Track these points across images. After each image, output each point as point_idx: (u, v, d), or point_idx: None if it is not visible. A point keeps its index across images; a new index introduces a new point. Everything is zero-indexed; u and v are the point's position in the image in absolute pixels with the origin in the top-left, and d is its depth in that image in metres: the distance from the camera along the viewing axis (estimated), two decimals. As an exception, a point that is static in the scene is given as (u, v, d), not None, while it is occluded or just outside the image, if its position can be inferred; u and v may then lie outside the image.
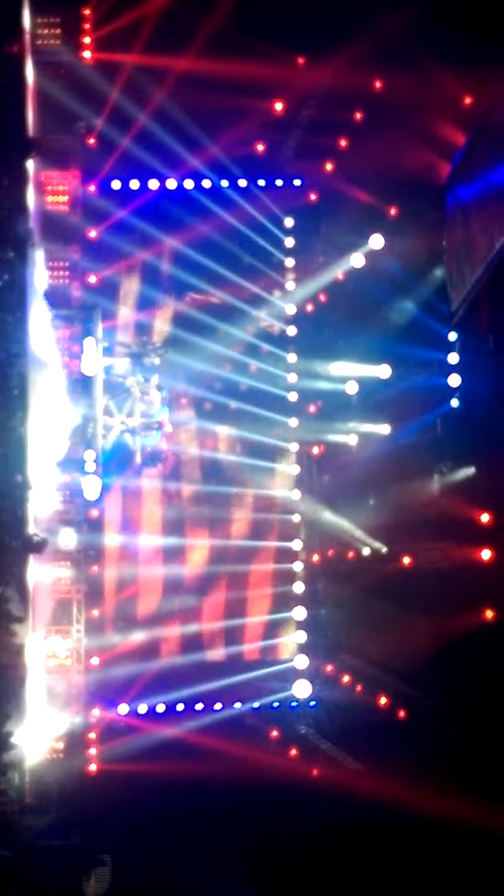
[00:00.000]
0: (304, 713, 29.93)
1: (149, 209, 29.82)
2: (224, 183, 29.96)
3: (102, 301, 29.35)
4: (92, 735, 28.40)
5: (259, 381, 30.62)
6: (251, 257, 30.38)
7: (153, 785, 26.39)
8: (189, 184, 29.84)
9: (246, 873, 24.84)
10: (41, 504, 26.40)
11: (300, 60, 28.44)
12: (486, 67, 25.82)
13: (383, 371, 30.22)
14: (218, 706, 29.22)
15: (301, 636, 30.24)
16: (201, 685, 29.02)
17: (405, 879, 24.42)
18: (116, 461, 29.56)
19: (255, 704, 29.62)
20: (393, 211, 30.00)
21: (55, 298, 28.03)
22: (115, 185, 29.77)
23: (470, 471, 28.85)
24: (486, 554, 26.82)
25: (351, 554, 30.35)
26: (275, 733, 29.54)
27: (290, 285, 30.95)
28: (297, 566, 30.52)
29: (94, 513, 29.12)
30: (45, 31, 27.71)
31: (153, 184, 29.79)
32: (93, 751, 28.26)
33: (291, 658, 30.19)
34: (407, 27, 26.52)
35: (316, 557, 30.66)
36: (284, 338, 30.88)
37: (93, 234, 29.60)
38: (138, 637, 29.69)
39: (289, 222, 30.90)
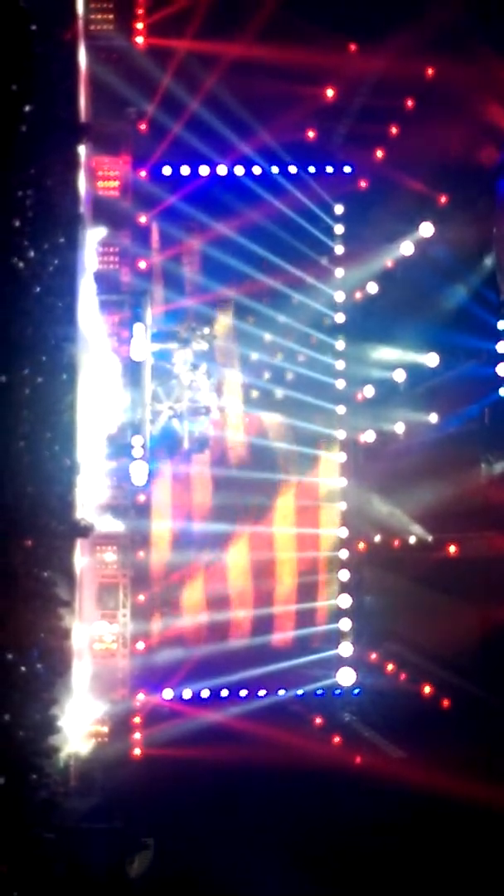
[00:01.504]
0: (348, 701, 29.85)
1: (199, 195, 29.76)
2: (274, 169, 29.84)
3: (152, 287, 29.43)
4: (136, 719, 28.46)
5: (307, 368, 30.57)
6: (300, 244, 30.24)
7: (196, 770, 26.49)
8: (239, 170, 29.73)
9: (287, 859, 24.92)
10: (89, 489, 26.48)
11: (352, 47, 28.51)
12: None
13: (431, 360, 30.21)
14: (262, 692, 29.22)
15: (346, 624, 30.19)
16: (246, 671, 29.04)
17: (447, 867, 24.45)
18: (164, 446, 29.64)
19: (300, 691, 29.58)
20: (443, 198, 30.03)
21: (105, 284, 28.16)
22: (166, 170, 29.67)
23: (517, 461, 28.93)
24: (532, 544, 26.88)
25: (397, 542, 30.33)
26: (318, 720, 29.48)
27: (339, 272, 30.78)
28: (343, 554, 30.46)
29: (142, 498, 29.11)
30: (98, 16, 27.76)
31: (204, 170, 29.70)
32: (137, 735, 28.33)
33: (336, 645, 30.14)
34: (459, 15, 26.54)
35: (362, 545, 30.59)
36: (333, 325, 30.76)
37: (143, 219, 29.57)
38: (183, 622, 29.76)
39: (338, 209, 30.71)
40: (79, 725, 25.68)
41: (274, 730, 27.97)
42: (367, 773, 27.71)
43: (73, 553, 25.40)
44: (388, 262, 30.55)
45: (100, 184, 28.84)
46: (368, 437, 30.63)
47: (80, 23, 26.31)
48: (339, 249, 30.84)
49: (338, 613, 30.29)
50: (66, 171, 25.13)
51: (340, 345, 30.71)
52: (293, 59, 27.65)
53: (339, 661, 30.01)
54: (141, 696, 28.73)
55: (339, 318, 30.76)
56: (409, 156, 29.47)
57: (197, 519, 30.08)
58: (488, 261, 29.93)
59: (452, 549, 29.83)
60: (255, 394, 30.66)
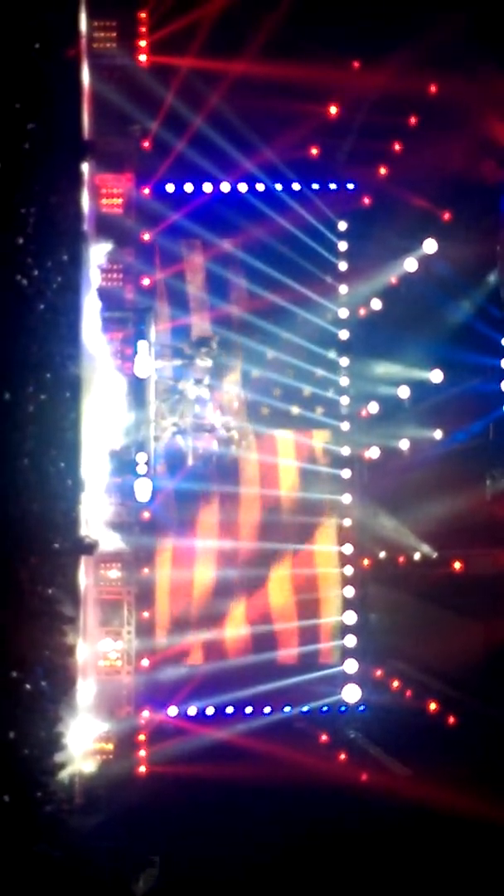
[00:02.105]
0: (354, 718, 29.78)
1: (202, 212, 29.86)
2: (278, 186, 29.93)
3: (156, 304, 29.50)
4: (141, 737, 28.47)
5: (311, 384, 30.56)
6: (304, 261, 30.25)
7: (202, 787, 26.46)
8: (243, 187, 29.85)
9: (293, 876, 24.88)
10: (93, 506, 26.46)
11: (355, 64, 28.57)
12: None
13: (435, 376, 30.19)
14: (267, 709, 29.17)
15: (351, 640, 30.13)
16: (251, 688, 28.99)
17: (454, 885, 24.40)
18: (168, 463, 29.63)
19: (305, 708, 29.54)
20: (447, 215, 30.00)
21: (109, 301, 28.19)
22: (170, 188, 29.79)
23: (522, 477, 28.90)
24: (536, 560, 26.85)
25: (402, 559, 30.29)
26: (324, 737, 29.42)
27: (342, 289, 30.79)
28: (348, 570, 30.41)
29: (146, 515, 29.14)
30: (102, 34, 27.90)
31: (207, 187, 29.81)
32: (142, 752, 28.33)
33: (341, 662, 30.08)
34: (461, 31, 26.61)
35: (366, 562, 30.55)
36: (337, 342, 30.75)
37: (146, 236, 29.67)
38: (188, 639, 29.72)
39: (342, 226, 30.73)
40: (84, 743, 25.61)
41: (279, 747, 27.92)
42: (373, 791, 27.64)
43: (78, 570, 25.35)
44: (392, 279, 30.56)
45: (103, 201, 28.93)
46: (373, 453, 30.60)
47: (84, 41, 26.33)
48: (342, 266, 30.82)
49: (342, 630, 30.23)
50: (69, 188, 25.13)
51: (344, 361, 30.69)
52: (296, 76, 27.71)
53: (345, 678, 29.93)
54: (146, 714, 28.72)
55: (343, 334, 30.75)
56: (412, 172, 29.51)
57: (200, 535, 30.08)
58: (492, 277, 29.97)
59: (458, 565, 29.78)
60: (258, 410, 30.63)
